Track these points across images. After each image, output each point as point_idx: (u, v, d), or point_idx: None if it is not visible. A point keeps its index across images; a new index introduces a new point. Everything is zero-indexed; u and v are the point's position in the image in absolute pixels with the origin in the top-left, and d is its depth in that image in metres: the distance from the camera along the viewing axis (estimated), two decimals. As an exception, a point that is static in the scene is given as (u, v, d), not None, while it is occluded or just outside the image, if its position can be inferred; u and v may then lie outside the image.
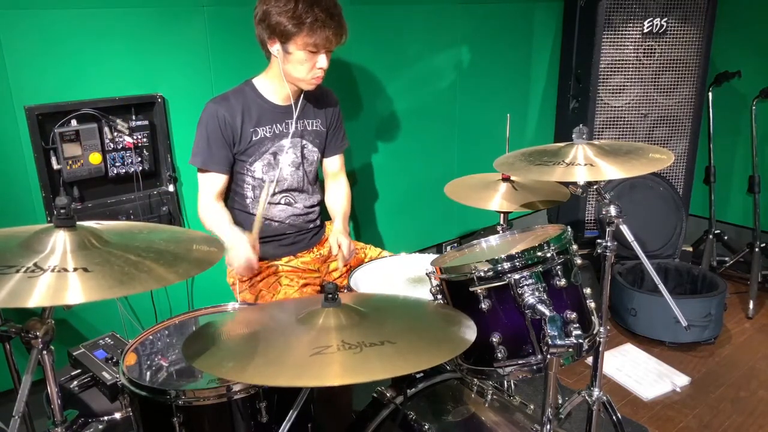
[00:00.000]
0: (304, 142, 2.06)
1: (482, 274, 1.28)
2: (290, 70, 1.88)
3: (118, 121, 2.05)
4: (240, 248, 1.78)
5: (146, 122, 2.11)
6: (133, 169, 2.11)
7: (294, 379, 1.02)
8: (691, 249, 3.43)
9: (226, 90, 1.98)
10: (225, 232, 1.88)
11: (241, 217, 2.03)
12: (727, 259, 3.42)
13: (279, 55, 1.86)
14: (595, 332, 1.40)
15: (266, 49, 1.90)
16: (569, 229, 1.41)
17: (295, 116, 1.99)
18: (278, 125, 1.99)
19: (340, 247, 1.95)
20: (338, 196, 2.20)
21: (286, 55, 1.85)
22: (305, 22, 1.77)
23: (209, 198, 1.96)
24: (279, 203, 2.05)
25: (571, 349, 1.18)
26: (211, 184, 1.95)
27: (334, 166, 2.20)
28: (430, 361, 1.09)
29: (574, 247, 1.37)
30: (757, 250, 3.21)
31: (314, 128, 2.08)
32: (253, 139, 1.95)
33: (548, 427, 1.32)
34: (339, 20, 1.84)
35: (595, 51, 3.17)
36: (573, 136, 1.65)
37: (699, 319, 2.77)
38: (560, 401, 1.80)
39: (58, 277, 0.96)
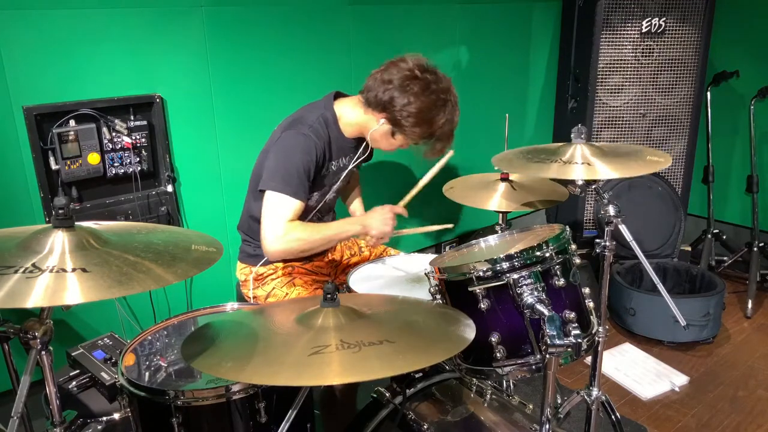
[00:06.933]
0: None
1: (481, 273, 1.28)
2: (377, 138, 1.91)
3: (117, 121, 2.05)
4: (377, 214, 1.86)
5: (145, 122, 2.10)
6: (131, 170, 2.11)
7: (293, 378, 1.01)
8: (689, 248, 3.43)
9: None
10: (343, 223, 1.90)
11: None
12: (725, 258, 3.42)
13: (378, 125, 1.86)
14: (593, 332, 1.41)
15: (368, 106, 1.87)
16: (568, 228, 1.41)
17: (360, 151, 1.97)
18: (343, 159, 1.98)
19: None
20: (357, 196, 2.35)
21: (385, 132, 1.87)
22: (431, 139, 1.85)
23: (286, 221, 1.83)
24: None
25: (569, 349, 1.18)
26: (292, 212, 1.83)
27: None
28: (429, 360, 1.09)
29: (573, 246, 1.37)
30: (755, 249, 3.22)
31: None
32: (327, 172, 1.93)
33: (547, 426, 1.32)
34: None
35: (593, 51, 3.17)
36: (571, 135, 1.65)
37: (697, 319, 2.77)
38: (559, 401, 1.80)
39: (57, 277, 0.96)
